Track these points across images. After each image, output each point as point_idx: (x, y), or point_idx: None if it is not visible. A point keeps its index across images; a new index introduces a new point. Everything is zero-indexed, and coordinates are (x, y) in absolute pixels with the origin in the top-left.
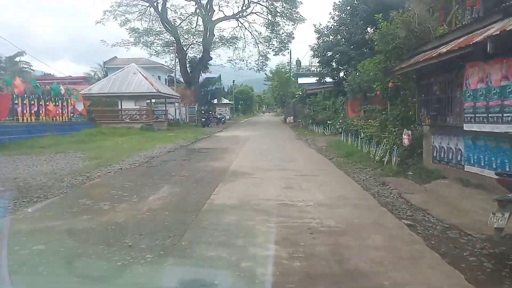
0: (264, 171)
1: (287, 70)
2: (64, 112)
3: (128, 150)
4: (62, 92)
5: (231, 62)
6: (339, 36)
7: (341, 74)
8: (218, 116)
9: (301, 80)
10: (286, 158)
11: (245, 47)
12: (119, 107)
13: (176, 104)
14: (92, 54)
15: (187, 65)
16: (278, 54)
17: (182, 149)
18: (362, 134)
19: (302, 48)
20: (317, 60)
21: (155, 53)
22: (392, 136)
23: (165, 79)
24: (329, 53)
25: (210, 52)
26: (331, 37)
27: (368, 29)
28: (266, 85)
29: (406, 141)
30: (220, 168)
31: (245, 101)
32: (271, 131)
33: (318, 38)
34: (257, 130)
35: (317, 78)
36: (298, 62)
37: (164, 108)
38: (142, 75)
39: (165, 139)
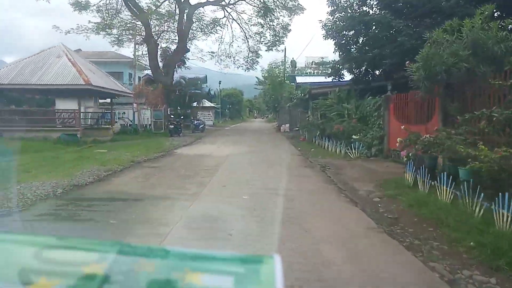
0: None
1: (281, 70)
2: None
3: None
4: None
5: (215, 56)
6: (366, 8)
7: (363, 67)
8: (195, 122)
9: (300, 79)
10: None
11: (233, 41)
12: (56, 108)
13: (135, 105)
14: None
15: (159, 59)
16: (271, 49)
17: (41, 208)
18: None
19: (297, 46)
20: (333, 43)
21: (116, 42)
22: None
23: (139, 77)
24: (351, 32)
25: (188, 43)
26: (351, 9)
27: None
28: (257, 89)
29: None
30: None
31: (233, 105)
32: (261, 147)
33: (333, 12)
34: (241, 143)
35: (330, 72)
36: (293, 62)
37: (123, 110)
38: (69, 60)
39: (67, 164)
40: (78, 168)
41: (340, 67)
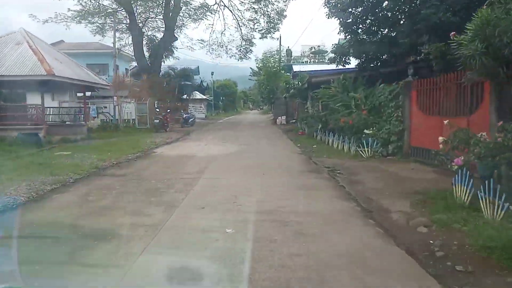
0: None
1: (276, 59)
2: None
3: None
4: None
5: (206, 45)
6: None
7: (372, 50)
8: (184, 116)
9: (297, 68)
10: None
11: (225, 29)
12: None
13: (115, 98)
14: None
15: (145, 48)
16: (266, 36)
17: None
18: None
19: (293, 34)
20: (338, 22)
21: (98, 31)
22: None
23: (126, 68)
24: (359, 9)
25: (177, 32)
26: None
27: None
28: (251, 80)
29: None
30: None
31: (227, 97)
32: (256, 144)
33: None
34: (233, 139)
35: (333, 57)
36: (289, 51)
37: (104, 104)
38: (30, 47)
39: (7, 174)
40: (19, 179)
41: (346, 50)
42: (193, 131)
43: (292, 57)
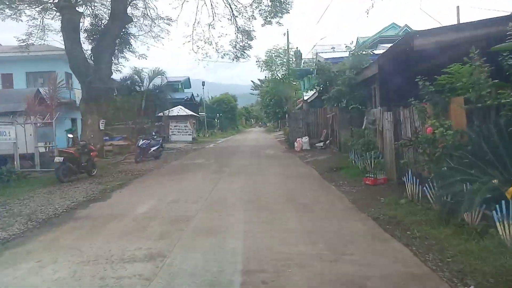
0: None
1: (283, 60)
2: None
3: None
4: None
5: (190, 40)
6: None
7: None
8: (140, 143)
9: (327, 56)
10: None
11: (214, 21)
12: None
13: None
14: None
15: (86, 40)
16: (270, 22)
17: None
18: None
19: (301, 33)
20: None
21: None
22: None
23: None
24: None
25: (129, 9)
26: None
27: None
28: (253, 95)
29: None
30: None
31: (225, 113)
32: None
33: None
34: (207, 219)
35: None
36: (298, 52)
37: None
38: None
39: None
40: None
41: None
42: (144, 174)
43: (303, 60)
